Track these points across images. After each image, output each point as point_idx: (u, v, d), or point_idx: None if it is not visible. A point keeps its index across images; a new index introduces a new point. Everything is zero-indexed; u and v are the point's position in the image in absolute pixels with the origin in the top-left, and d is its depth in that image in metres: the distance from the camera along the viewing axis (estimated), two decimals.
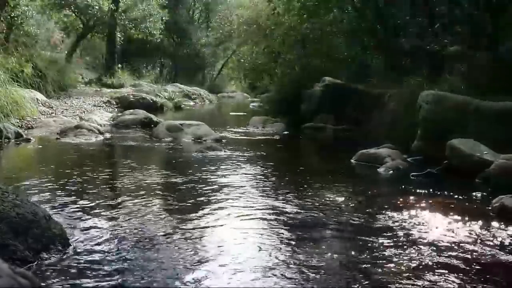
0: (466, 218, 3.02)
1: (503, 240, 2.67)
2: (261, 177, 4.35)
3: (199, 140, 6.58)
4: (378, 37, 9.02)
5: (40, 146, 5.87)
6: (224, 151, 5.65)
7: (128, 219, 2.87)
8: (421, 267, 2.27)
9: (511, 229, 2.84)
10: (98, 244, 2.44)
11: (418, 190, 3.84)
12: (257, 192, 3.71)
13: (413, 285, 2.09)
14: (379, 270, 2.22)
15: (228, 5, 29.89)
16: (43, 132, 6.83)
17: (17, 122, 6.83)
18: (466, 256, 2.42)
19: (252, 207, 3.25)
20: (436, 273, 2.20)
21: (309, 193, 3.69)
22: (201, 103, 17.37)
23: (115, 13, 15.60)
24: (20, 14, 11.46)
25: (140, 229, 2.69)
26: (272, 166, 4.92)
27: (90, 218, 2.86)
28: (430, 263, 2.32)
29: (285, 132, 8.15)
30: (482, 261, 2.36)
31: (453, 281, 2.12)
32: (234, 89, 28.90)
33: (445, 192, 3.71)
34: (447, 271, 2.22)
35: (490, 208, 3.26)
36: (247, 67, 17.51)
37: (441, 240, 2.64)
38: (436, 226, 2.91)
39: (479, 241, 2.65)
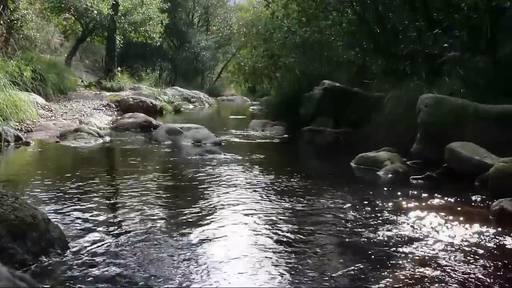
0: (466, 222, 3.02)
1: (502, 244, 2.67)
2: (259, 180, 4.34)
3: (198, 144, 6.57)
4: (377, 40, 9.03)
5: (40, 149, 5.87)
6: (224, 154, 5.65)
7: (128, 223, 2.87)
8: (419, 270, 2.27)
9: (511, 233, 2.83)
10: (98, 247, 2.43)
11: (417, 194, 3.84)
12: (256, 195, 3.71)
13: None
14: (377, 273, 2.22)
15: (227, 9, 30.05)
16: (43, 135, 6.82)
17: (17, 125, 6.82)
18: (465, 259, 2.42)
19: (251, 209, 3.25)
20: (435, 276, 2.20)
21: (308, 197, 3.69)
22: (201, 106, 17.38)
23: (114, 16, 15.63)
24: (20, 18, 11.49)
25: (139, 232, 2.69)
26: (271, 170, 4.92)
27: (89, 221, 2.86)
28: (428, 266, 2.32)
29: (285, 135, 8.16)
30: (481, 264, 2.36)
31: (452, 284, 2.12)
32: (233, 92, 28.97)
33: (445, 196, 3.71)
34: (446, 275, 2.22)
35: (489, 211, 3.25)
36: (247, 70, 17.56)
37: (440, 244, 2.64)
38: (435, 229, 2.91)
39: (478, 244, 2.65)
